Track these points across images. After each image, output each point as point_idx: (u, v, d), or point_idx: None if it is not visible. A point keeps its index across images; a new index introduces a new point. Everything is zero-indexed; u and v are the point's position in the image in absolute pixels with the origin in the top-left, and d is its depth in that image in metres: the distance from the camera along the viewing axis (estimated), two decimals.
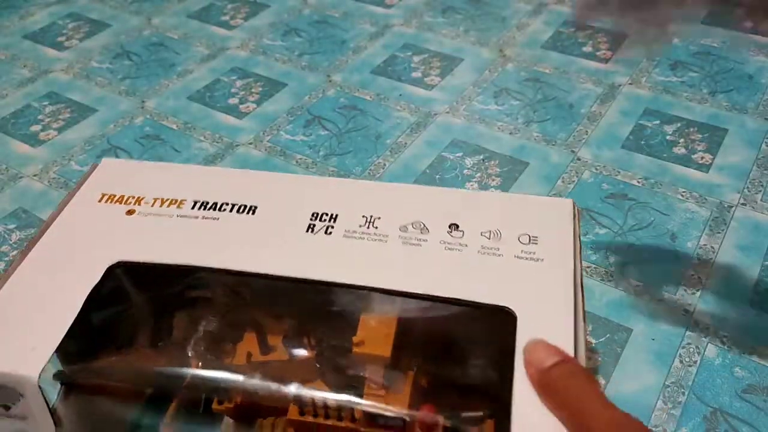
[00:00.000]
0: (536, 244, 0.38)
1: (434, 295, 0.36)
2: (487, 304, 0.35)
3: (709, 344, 0.53)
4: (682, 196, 0.65)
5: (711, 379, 0.50)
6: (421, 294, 0.36)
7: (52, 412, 0.36)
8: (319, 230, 0.40)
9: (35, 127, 0.79)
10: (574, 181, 0.67)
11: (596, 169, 0.69)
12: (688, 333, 0.53)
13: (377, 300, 0.38)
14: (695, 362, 0.51)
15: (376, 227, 0.40)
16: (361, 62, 0.87)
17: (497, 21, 0.93)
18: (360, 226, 0.40)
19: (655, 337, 0.53)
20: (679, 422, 0.48)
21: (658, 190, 0.66)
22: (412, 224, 0.40)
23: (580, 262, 0.37)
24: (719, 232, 0.61)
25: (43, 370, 0.34)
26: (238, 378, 0.38)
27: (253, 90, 0.83)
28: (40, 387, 0.34)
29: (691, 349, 0.52)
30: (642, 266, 0.59)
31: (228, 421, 0.40)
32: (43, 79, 0.87)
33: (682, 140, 0.72)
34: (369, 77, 0.84)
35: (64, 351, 0.35)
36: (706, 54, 0.85)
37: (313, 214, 0.41)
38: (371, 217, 0.40)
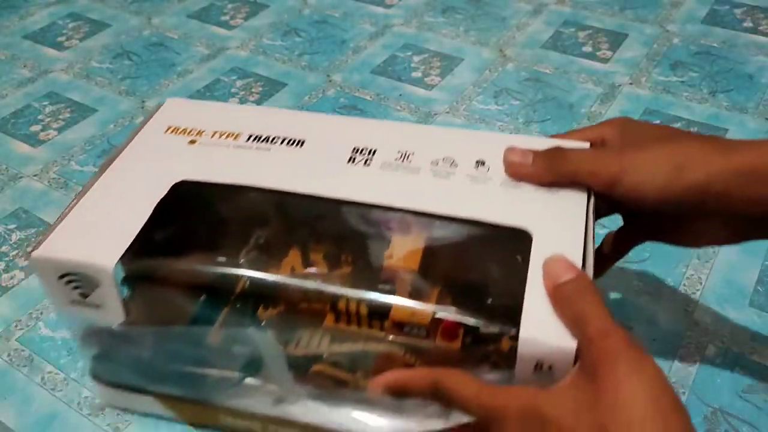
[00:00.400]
0: None
1: (459, 216, 0.40)
2: (506, 225, 0.39)
3: (709, 344, 0.53)
4: None
5: (711, 379, 0.50)
6: (447, 215, 0.41)
7: (123, 302, 0.41)
8: (359, 162, 0.45)
9: (35, 127, 0.79)
10: None
11: None
12: (688, 333, 0.53)
13: (408, 221, 0.42)
14: (695, 362, 0.51)
15: (410, 161, 0.44)
16: (361, 62, 0.87)
17: (497, 21, 0.93)
18: (395, 159, 0.44)
19: (656, 337, 0.53)
20: None
21: None
22: (443, 159, 0.44)
23: (593, 195, 0.40)
24: None
25: (117, 263, 0.39)
26: (282, 286, 0.43)
27: (253, 90, 0.83)
28: (114, 278, 0.40)
29: (691, 349, 0.52)
30: (642, 266, 0.59)
31: (270, 333, 0.44)
32: (43, 79, 0.87)
33: None
34: (369, 77, 0.84)
35: (134, 250, 0.40)
36: (706, 54, 0.85)
37: (354, 149, 0.45)
38: (406, 152, 0.45)
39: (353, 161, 0.45)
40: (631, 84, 0.80)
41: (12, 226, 0.66)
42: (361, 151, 0.45)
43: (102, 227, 0.41)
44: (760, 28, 0.89)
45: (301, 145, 0.46)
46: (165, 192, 0.43)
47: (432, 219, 0.41)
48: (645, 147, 0.39)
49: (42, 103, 0.82)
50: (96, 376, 0.48)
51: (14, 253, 0.64)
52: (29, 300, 0.59)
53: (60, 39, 0.95)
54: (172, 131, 0.48)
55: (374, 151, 0.45)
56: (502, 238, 0.40)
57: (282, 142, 0.47)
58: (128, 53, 0.91)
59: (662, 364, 0.51)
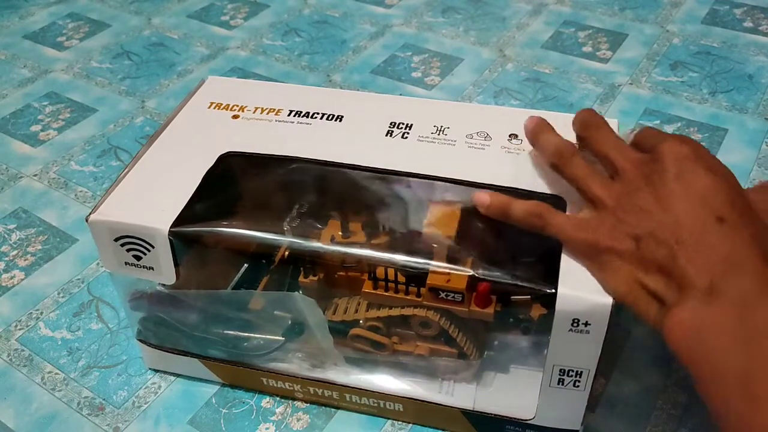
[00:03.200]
0: (584, 150, 0.42)
1: (495, 184, 0.42)
2: (542, 193, 0.42)
3: None
4: None
5: None
6: (486, 184, 0.42)
7: (175, 264, 0.43)
8: (397, 135, 0.47)
9: (35, 127, 0.79)
10: None
11: None
12: None
13: (445, 190, 0.44)
14: None
15: (446, 134, 0.46)
16: (361, 62, 0.87)
17: (497, 21, 0.93)
18: (432, 133, 0.47)
19: (657, 337, 0.53)
20: (680, 422, 0.48)
21: None
22: (477, 133, 0.46)
23: None
24: None
25: (170, 227, 0.42)
26: (322, 254, 0.44)
27: None
28: (168, 240, 0.42)
29: None
30: None
31: (311, 299, 0.45)
32: (43, 79, 0.87)
33: None
34: (369, 77, 0.84)
35: (185, 216, 0.43)
36: (706, 54, 0.85)
37: (391, 123, 0.48)
38: (442, 126, 0.47)
39: (391, 135, 0.47)
40: (630, 84, 0.80)
41: (12, 226, 0.66)
42: (398, 125, 0.47)
43: (154, 194, 0.44)
44: (760, 28, 0.89)
45: (340, 120, 0.49)
46: (212, 162, 0.46)
47: (469, 188, 0.43)
48: None
49: (42, 103, 0.82)
50: (142, 339, 0.50)
51: (14, 253, 0.63)
52: (29, 300, 0.59)
53: (60, 39, 0.95)
54: (215, 107, 0.51)
55: (411, 126, 0.47)
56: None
57: (322, 117, 0.49)
58: (128, 53, 0.91)
59: (662, 364, 0.51)
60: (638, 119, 0.75)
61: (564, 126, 0.44)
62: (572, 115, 0.44)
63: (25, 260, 0.63)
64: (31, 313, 0.58)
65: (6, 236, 0.65)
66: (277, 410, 0.50)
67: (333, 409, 0.50)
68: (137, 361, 0.53)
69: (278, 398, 0.50)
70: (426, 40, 0.90)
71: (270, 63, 0.88)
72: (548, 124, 0.43)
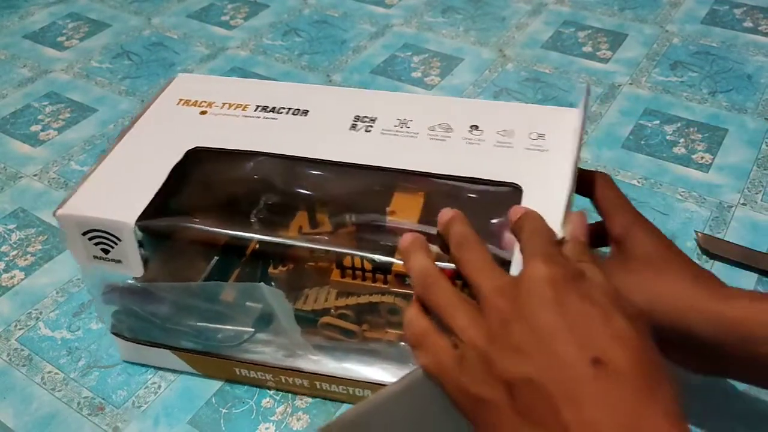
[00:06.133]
0: (543, 139, 0.45)
1: (456, 175, 0.43)
2: (499, 181, 0.42)
3: None
4: (682, 196, 0.65)
5: (712, 378, 0.50)
6: (444, 174, 0.43)
7: (142, 257, 0.44)
8: (360, 128, 0.47)
9: (35, 127, 0.79)
10: None
11: (596, 169, 0.69)
12: None
13: (408, 180, 0.45)
14: None
15: (409, 127, 0.47)
16: (361, 62, 0.87)
17: (497, 21, 0.93)
18: (395, 126, 0.47)
19: None
20: None
21: (657, 190, 0.66)
22: (439, 125, 0.47)
23: (579, 151, 0.43)
24: (719, 232, 0.61)
25: (136, 220, 0.42)
26: (291, 246, 0.46)
27: None
28: (134, 234, 0.43)
29: None
30: None
31: (276, 289, 0.46)
32: (43, 79, 0.87)
33: (682, 140, 0.72)
34: (369, 77, 0.84)
35: (152, 211, 0.43)
36: (705, 54, 0.85)
37: (355, 117, 0.48)
38: (405, 119, 0.48)
39: (355, 128, 0.48)
40: (630, 84, 0.80)
41: (12, 226, 0.66)
42: (362, 118, 0.48)
43: (122, 188, 0.45)
44: (760, 28, 0.89)
45: (306, 114, 0.49)
46: (180, 157, 0.46)
47: (431, 178, 0.44)
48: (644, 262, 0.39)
49: (42, 103, 0.82)
50: (116, 332, 0.51)
51: (14, 253, 0.63)
52: (29, 300, 0.59)
53: (60, 39, 0.95)
54: (183, 103, 0.52)
55: (374, 119, 0.48)
56: (495, 191, 0.43)
57: (287, 112, 0.50)
58: (128, 53, 0.91)
59: None
60: (638, 119, 0.75)
61: (561, 121, 0.45)
62: (568, 110, 0.45)
63: (25, 260, 0.63)
64: (30, 313, 0.58)
65: (6, 236, 0.65)
66: (277, 410, 0.50)
67: (333, 409, 0.50)
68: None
69: (278, 398, 0.50)
70: (426, 40, 0.90)
71: (270, 63, 0.88)
72: (423, 242, 0.37)
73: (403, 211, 0.45)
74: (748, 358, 0.36)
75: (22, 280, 0.61)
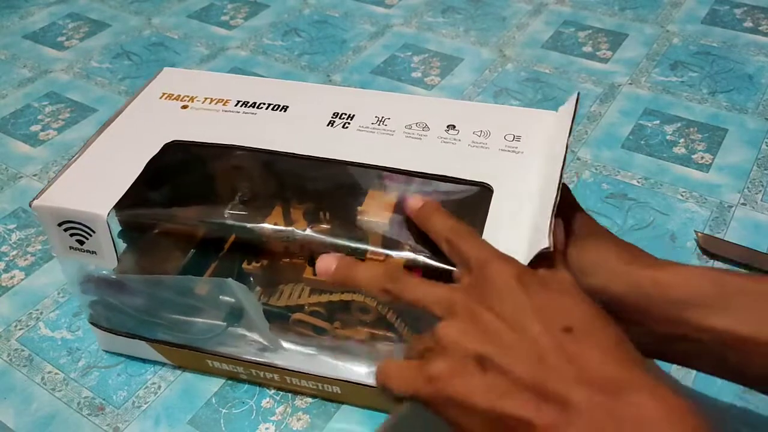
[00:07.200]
0: (519, 141, 0.45)
1: (429, 173, 0.44)
2: (470, 180, 0.43)
3: None
4: (682, 196, 0.65)
5: (712, 379, 0.50)
6: (418, 172, 0.44)
7: (116, 249, 0.44)
8: (338, 125, 0.48)
9: (35, 127, 0.79)
10: (574, 181, 0.67)
11: (596, 169, 0.69)
12: None
13: (382, 178, 0.45)
14: None
15: (386, 125, 0.48)
16: (361, 62, 0.87)
17: (497, 21, 0.93)
18: (372, 123, 0.48)
19: None
20: None
21: (658, 190, 0.66)
22: (416, 123, 0.48)
23: (566, 155, 0.41)
24: (719, 232, 0.61)
25: (110, 212, 0.43)
26: (264, 241, 0.46)
27: None
28: (107, 225, 0.43)
29: None
30: None
31: (246, 284, 0.47)
32: (43, 79, 0.87)
33: (682, 140, 0.72)
34: (369, 77, 0.84)
35: (128, 203, 0.44)
36: (706, 54, 0.85)
37: (334, 113, 0.49)
38: (382, 117, 0.48)
39: (332, 125, 0.48)
40: (630, 84, 0.80)
41: (12, 226, 0.66)
42: (340, 115, 0.49)
43: (97, 181, 0.45)
44: (760, 28, 0.89)
45: (285, 110, 0.50)
46: (157, 151, 0.47)
47: (405, 176, 0.45)
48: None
49: (42, 103, 0.82)
50: (94, 322, 0.52)
51: (14, 253, 0.63)
52: (29, 300, 0.59)
53: (60, 39, 0.95)
54: (166, 97, 0.52)
55: (352, 116, 0.49)
56: (468, 190, 0.43)
57: (267, 107, 0.50)
58: (128, 53, 0.91)
59: (662, 364, 0.51)
60: (638, 119, 0.75)
61: (538, 124, 0.46)
62: (547, 112, 0.46)
63: (25, 260, 0.63)
64: (31, 313, 0.58)
65: (6, 236, 0.65)
66: (277, 410, 0.50)
67: (333, 409, 0.50)
68: (137, 361, 0.53)
69: (278, 399, 0.51)
70: (426, 40, 0.90)
71: (270, 63, 0.88)
72: (352, 262, 0.38)
73: (376, 209, 0.45)
74: (673, 323, 0.37)
75: (22, 280, 0.61)
